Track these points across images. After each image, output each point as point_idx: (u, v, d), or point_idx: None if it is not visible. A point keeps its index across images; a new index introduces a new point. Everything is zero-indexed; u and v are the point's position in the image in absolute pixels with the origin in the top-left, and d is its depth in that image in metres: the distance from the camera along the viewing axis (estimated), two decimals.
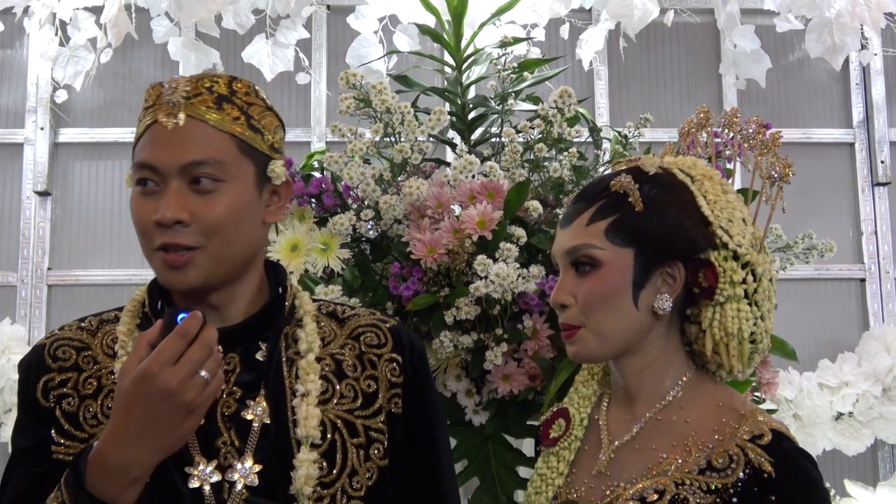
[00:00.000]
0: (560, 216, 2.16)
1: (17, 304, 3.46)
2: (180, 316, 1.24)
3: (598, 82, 3.65)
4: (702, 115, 1.57)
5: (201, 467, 1.35)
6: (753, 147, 1.47)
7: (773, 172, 1.42)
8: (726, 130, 1.52)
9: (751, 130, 1.46)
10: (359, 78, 2.18)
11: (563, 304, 1.44)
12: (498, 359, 2.04)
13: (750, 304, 1.40)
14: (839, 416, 3.32)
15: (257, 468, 1.36)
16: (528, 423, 2.21)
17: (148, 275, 3.56)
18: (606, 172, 1.54)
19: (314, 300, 1.56)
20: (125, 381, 1.22)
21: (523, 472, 2.21)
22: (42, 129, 3.52)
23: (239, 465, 1.36)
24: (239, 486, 1.35)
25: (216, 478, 1.35)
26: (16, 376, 3.11)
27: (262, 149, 1.43)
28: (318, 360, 1.45)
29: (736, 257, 1.39)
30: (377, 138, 2.20)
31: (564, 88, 2.17)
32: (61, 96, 3.40)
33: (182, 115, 1.37)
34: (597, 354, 1.45)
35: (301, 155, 2.62)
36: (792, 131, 3.69)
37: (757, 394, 2.32)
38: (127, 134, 3.56)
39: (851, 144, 3.73)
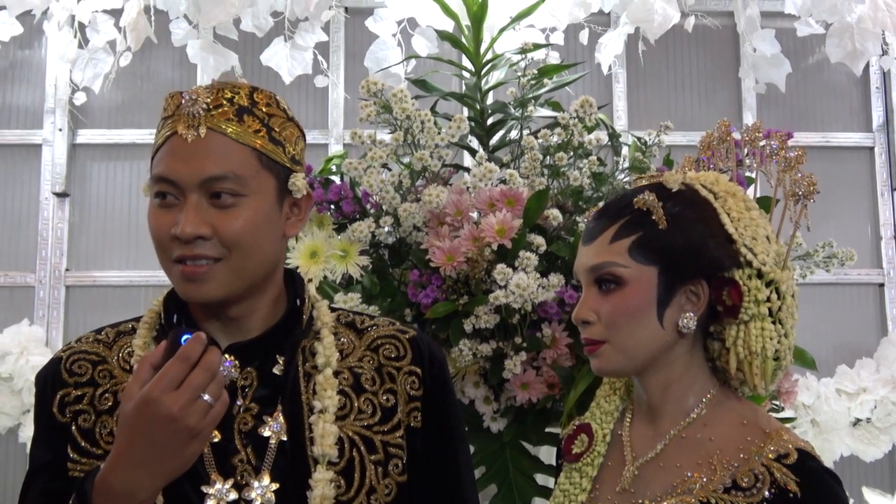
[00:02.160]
0: (579, 223, 2.17)
1: (36, 304, 3.47)
2: (184, 337, 1.22)
3: (616, 85, 3.64)
4: (722, 129, 1.56)
5: (217, 486, 1.33)
6: (777, 161, 1.46)
7: (798, 190, 1.41)
8: (749, 146, 1.51)
9: (774, 146, 1.45)
10: (379, 86, 2.18)
11: (586, 321, 1.43)
12: (517, 368, 2.04)
13: (774, 323, 1.40)
14: (857, 421, 3.30)
15: (274, 486, 1.34)
16: (547, 430, 2.21)
17: (166, 277, 3.57)
18: (629, 188, 1.53)
19: (333, 309, 1.53)
20: (127, 406, 1.20)
21: (541, 479, 2.21)
22: (60, 130, 3.53)
23: (256, 484, 1.34)
24: None
25: (233, 496, 1.33)
26: (34, 377, 3.14)
27: (283, 161, 1.40)
28: (336, 373, 1.43)
29: (760, 275, 1.39)
30: (398, 145, 2.19)
31: (585, 98, 2.16)
32: (80, 98, 3.40)
33: (202, 128, 1.35)
34: (620, 370, 1.44)
35: (318, 157, 2.62)
36: (811, 135, 3.68)
37: (776, 402, 2.31)
38: (145, 135, 3.56)
39: (871, 148, 3.71)
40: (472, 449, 2.19)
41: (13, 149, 3.60)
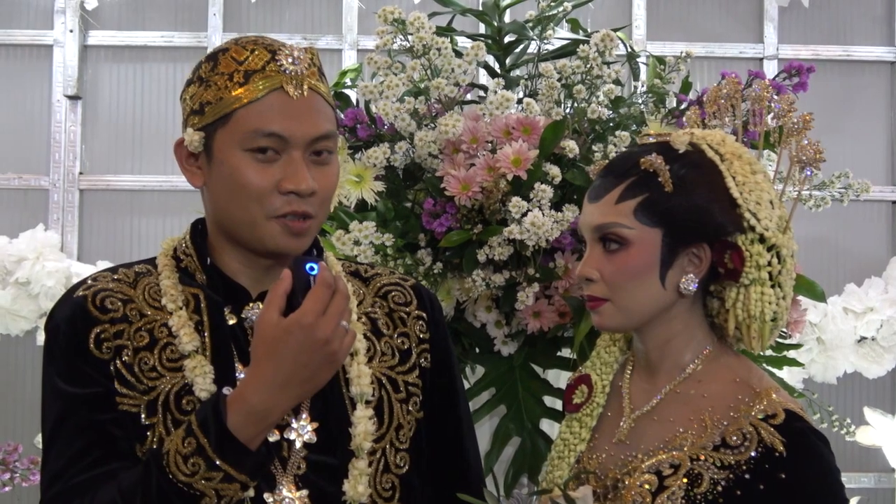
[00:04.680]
0: (595, 152, 2.16)
1: (50, 208, 3.49)
2: (308, 265, 1.28)
3: None
4: (731, 86, 1.55)
5: None
6: (783, 125, 1.46)
7: (803, 156, 1.42)
8: (755, 105, 1.50)
9: (785, 109, 1.44)
10: (396, 14, 2.14)
11: (590, 279, 1.46)
12: (529, 299, 2.05)
13: (773, 286, 1.42)
14: (861, 339, 3.33)
15: (314, 425, 1.40)
16: (558, 355, 2.24)
17: (178, 181, 3.56)
18: (636, 147, 1.53)
19: (338, 260, 1.60)
20: (271, 330, 1.26)
21: (549, 400, 2.25)
22: (71, 31, 3.49)
23: (295, 423, 1.40)
24: (298, 444, 1.39)
25: (274, 437, 1.37)
26: (50, 282, 3.17)
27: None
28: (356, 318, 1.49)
29: (762, 240, 1.40)
30: (414, 73, 2.17)
31: (606, 33, 2.12)
32: (91, 3, 3.36)
33: (305, 87, 1.39)
34: (620, 327, 1.49)
35: (332, 64, 2.58)
36: (832, 48, 3.63)
37: (784, 330, 2.33)
38: (157, 38, 3.53)
39: (892, 63, 3.66)
40: (482, 371, 2.25)
41: (24, 49, 3.57)
